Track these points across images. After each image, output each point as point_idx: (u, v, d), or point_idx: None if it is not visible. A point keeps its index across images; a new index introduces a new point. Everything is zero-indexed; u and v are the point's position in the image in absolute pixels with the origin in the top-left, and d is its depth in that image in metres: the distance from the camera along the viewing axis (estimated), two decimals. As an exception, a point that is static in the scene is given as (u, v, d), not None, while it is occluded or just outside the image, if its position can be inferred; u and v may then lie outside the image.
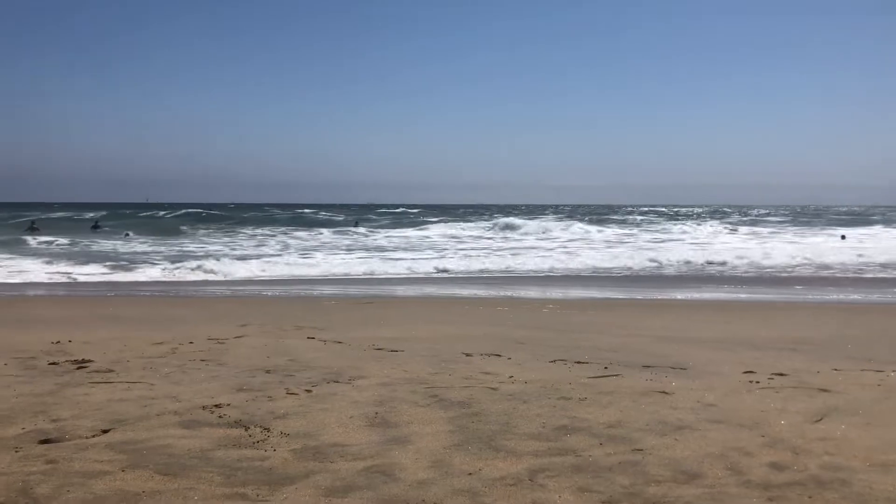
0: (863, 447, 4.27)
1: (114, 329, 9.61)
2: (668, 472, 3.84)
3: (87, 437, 4.45)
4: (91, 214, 65.58)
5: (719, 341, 8.73)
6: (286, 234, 46.56)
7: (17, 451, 4.15)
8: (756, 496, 3.49)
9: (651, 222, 63.25)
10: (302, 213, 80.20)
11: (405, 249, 33.11)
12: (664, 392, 5.74)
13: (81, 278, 20.33)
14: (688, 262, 25.19)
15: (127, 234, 43.50)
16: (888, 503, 3.40)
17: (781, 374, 6.48)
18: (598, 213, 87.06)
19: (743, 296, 16.55)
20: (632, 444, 4.35)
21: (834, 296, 16.41)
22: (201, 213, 72.72)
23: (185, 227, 51.10)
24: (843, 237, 42.60)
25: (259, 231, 48.95)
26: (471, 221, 61.58)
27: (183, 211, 75.37)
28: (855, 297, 16.43)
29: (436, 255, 28.75)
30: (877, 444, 4.31)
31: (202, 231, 49.28)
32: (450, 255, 28.04)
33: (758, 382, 6.13)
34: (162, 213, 73.36)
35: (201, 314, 11.89)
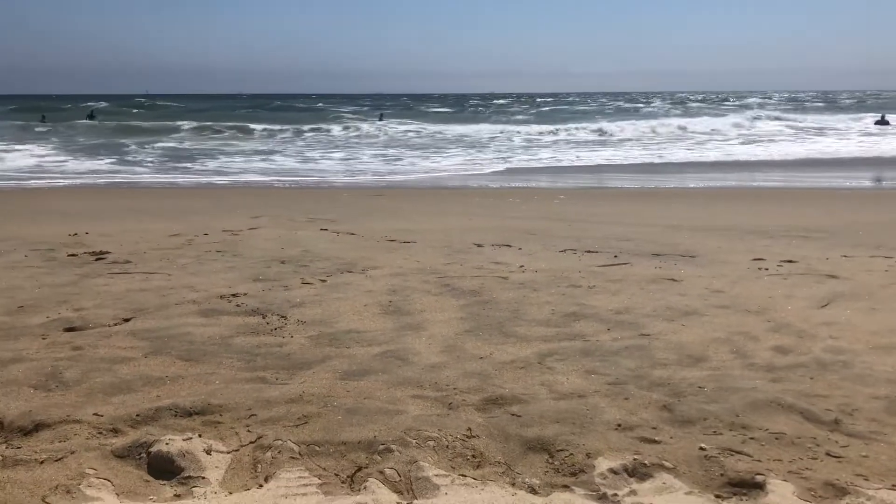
0: (866, 331, 4.35)
1: (129, 221, 9.72)
2: (673, 356, 3.94)
3: (109, 326, 4.59)
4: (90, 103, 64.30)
5: (730, 229, 8.74)
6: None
7: (43, 339, 4.29)
8: (759, 378, 3.59)
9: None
10: (325, 108, 69.00)
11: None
12: (672, 279, 5.80)
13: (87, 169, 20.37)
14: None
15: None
16: (887, 383, 3.49)
17: (790, 262, 6.52)
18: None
19: (756, 184, 16.43)
20: (639, 329, 4.44)
21: (849, 183, 16.27)
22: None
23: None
24: (883, 119, 38.82)
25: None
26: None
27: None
28: (868, 184, 16.30)
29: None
30: (879, 328, 4.39)
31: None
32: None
33: (766, 269, 6.18)
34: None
35: (215, 206, 11.96)
